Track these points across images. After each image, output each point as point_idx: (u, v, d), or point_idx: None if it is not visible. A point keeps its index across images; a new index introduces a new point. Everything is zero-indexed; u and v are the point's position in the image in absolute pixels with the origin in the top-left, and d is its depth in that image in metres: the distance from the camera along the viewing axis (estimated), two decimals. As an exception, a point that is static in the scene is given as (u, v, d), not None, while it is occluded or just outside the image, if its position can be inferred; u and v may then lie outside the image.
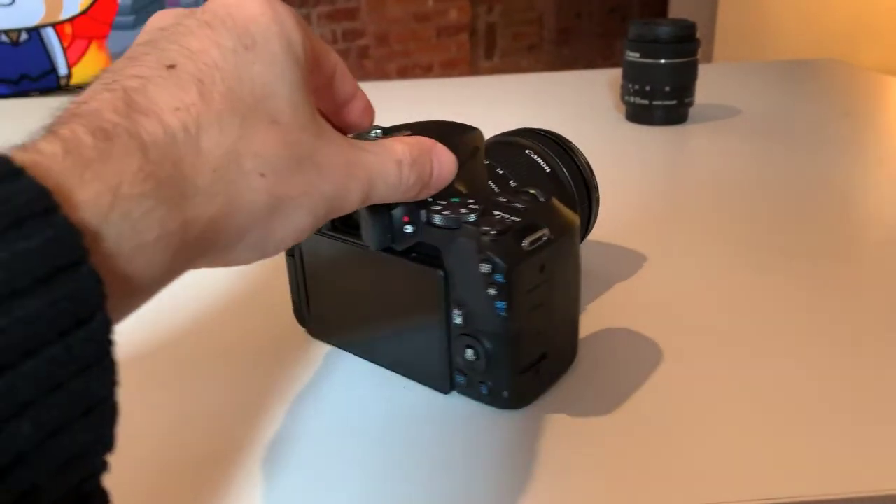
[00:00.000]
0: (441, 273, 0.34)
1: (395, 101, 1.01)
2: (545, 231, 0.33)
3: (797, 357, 0.40)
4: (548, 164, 0.46)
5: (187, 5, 2.15)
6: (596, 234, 0.50)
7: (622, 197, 0.60)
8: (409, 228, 0.35)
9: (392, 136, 0.36)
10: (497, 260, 0.32)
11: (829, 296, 0.46)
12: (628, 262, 0.51)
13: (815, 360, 0.40)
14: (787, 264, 0.50)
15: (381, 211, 0.35)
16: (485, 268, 0.32)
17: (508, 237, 0.32)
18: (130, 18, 2.14)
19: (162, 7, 2.15)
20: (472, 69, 2.79)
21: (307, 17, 2.33)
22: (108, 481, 0.20)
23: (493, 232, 0.32)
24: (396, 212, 0.35)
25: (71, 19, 2.08)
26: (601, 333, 0.42)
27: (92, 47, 2.09)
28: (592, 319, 0.43)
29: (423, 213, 0.34)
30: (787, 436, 0.34)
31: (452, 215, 0.33)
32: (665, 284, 0.48)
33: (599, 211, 0.48)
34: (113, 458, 0.20)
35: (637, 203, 0.62)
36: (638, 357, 0.40)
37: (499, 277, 0.32)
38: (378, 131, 0.37)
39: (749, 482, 0.31)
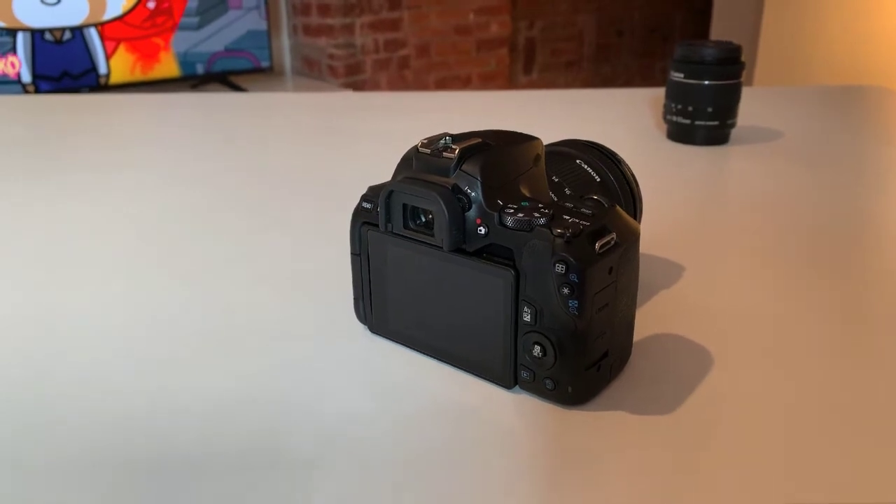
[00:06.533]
0: (512, 272, 0.36)
1: (439, 112, 1.03)
2: (613, 235, 0.35)
3: (831, 367, 0.41)
4: (597, 174, 0.48)
5: (249, 8, 2.20)
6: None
7: (661, 211, 0.62)
8: (481, 230, 0.37)
9: (461, 142, 0.38)
10: (572, 261, 0.34)
11: (864, 313, 0.48)
12: (670, 271, 0.53)
13: (848, 372, 0.41)
14: (821, 282, 0.52)
15: (456, 213, 0.37)
16: (559, 268, 0.34)
17: (582, 240, 0.34)
18: (195, 20, 2.20)
19: (225, 11, 2.20)
20: (510, 83, 2.81)
21: (351, 27, 2.37)
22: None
23: (567, 234, 0.34)
24: (470, 214, 0.37)
25: (112, 20, 2.14)
26: (650, 335, 0.44)
27: (120, 49, 2.14)
28: (640, 322, 0.45)
29: (496, 216, 0.36)
30: (835, 442, 0.35)
31: (525, 218, 0.35)
32: (705, 293, 0.50)
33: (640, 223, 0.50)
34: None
35: (676, 217, 0.63)
36: (685, 359, 0.42)
37: (573, 277, 0.34)
38: (448, 138, 0.39)
39: (794, 485, 0.33)
